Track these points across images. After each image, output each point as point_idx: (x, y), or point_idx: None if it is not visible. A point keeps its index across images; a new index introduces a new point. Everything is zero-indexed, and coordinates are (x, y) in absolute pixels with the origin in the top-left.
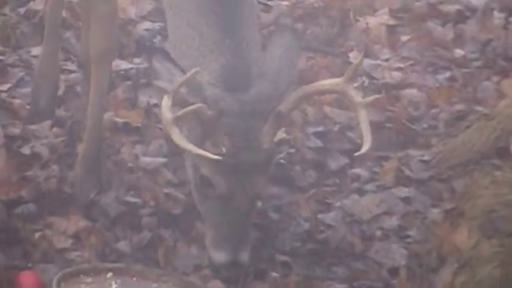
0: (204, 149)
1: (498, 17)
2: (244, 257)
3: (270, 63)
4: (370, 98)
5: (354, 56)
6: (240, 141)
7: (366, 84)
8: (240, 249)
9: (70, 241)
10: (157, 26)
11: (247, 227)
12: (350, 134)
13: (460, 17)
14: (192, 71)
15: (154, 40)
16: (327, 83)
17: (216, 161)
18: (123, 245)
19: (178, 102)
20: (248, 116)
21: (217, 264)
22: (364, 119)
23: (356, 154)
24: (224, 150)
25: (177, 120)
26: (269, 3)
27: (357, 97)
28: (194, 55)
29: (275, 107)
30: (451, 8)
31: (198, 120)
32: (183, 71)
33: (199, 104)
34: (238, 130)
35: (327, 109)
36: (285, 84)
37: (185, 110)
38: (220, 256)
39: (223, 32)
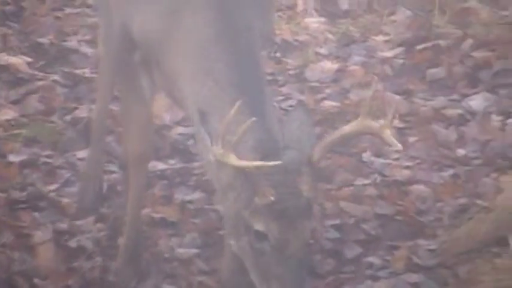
0: (254, 206)
1: (496, 119)
2: None
3: (289, 135)
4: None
5: (367, 156)
6: (284, 190)
7: (377, 181)
8: None
9: None
10: (190, 130)
11: (304, 276)
12: (364, 226)
13: (462, 120)
14: (245, 125)
15: (188, 143)
16: (346, 127)
17: (267, 210)
18: None
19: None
20: (287, 172)
21: None
22: (388, 136)
23: (395, 149)
24: (272, 198)
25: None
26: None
27: (376, 124)
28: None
29: (306, 162)
30: (453, 112)
31: (246, 180)
32: None
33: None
34: (281, 182)
35: (343, 203)
36: (308, 149)
37: (238, 135)
38: None
39: (254, 107)
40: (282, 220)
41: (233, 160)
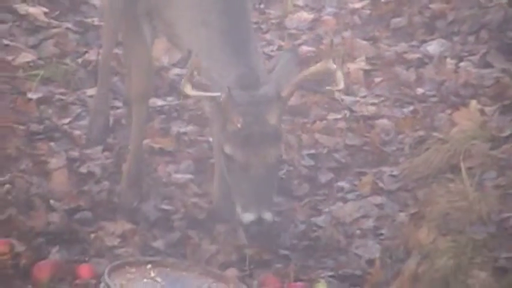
0: (226, 132)
1: (450, 62)
2: (268, 215)
3: (276, 74)
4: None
5: (338, 94)
6: (251, 119)
7: (347, 116)
8: (263, 209)
9: (118, 240)
10: (185, 71)
11: (268, 192)
12: (335, 155)
13: (420, 63)
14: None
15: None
16: (310, 68)
17: (234, 136)
18: (159, 243)
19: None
20: (256, 103)
21: (246, 224)
22: (338, 76)
23: (335, 89)
24: (239, 125)
25: (189, 80)
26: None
27: (333, 66)
28: (220, 64)
29: (277, 95)
30: (413, 56)
31: (218, 109)
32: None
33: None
34: (249, 112)
35: (317, 135)
36: (286, 81)
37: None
38: (247, 216)
39: (240, 49)
40: (246, 145)
41: (187, 90)
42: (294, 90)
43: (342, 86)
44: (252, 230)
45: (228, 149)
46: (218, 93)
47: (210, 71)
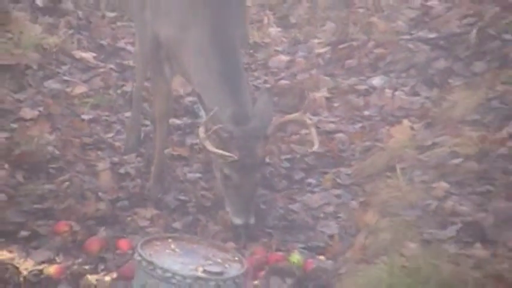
0: (225, 158)
1: (388, 92)
2: (252, 220)
3: (258, 109)
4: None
5: (307, 115)
6: (245, 152)
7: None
8: (249, 216)
9: (147, 222)
10: (195, 99)
11: (253, 202)
12: (306, 159)
13: (367, 93)
14: (212, 112)
15: (194, 106)
16: (289, 116)
17: (232, 163)
18: (177, 224)
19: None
20: (248, 138)
21: (236, 225)
22: (313, 132)
23: (310, 150)
24: (236, 157)
25: (208, 137)
26: (256, 83)
27: (309, 121)
28: (218, 101)
29: (263, 133)
30: (361, 87)
31: (221, 141)
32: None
33: (219, 126)
34: (244, 146)
35: (292, 145)
36: (267, 121)
37: (211, 131)
38: (238, 220)
39: (232, 87)
40: (240, 171)
41: (208, 146)
42: (275, 131)
43: (317, 145)
44: (240, 230)
45: (226, 171)
46: (230, 154)
47: (210, 106)
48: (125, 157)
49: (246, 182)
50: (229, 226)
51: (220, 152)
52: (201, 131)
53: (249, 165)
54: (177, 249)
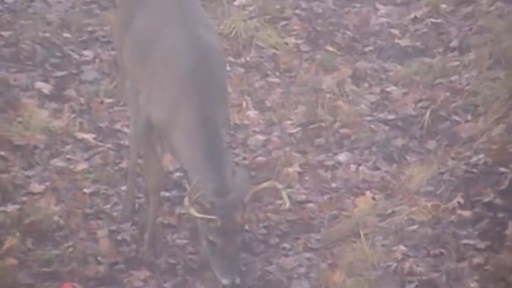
0: (209, 226)
1: (353, 167)
2: (237, 279)
3: (236, 183)
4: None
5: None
6: (227, 220)
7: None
8: (234, 276)
9: (141, 283)
10: (183, 174)
11: (237, 264)
12: (280, 226)
13: (334, 167)
14: (193, 184)
15: (182, 181)
16: (263, 184)
17: (215, 229)
18: (168, 285)
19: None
20: (229, 208)
21: (224, 286)
22: (284, 194)
23: (283, 208)
24: (219, 224)
25: (192, 205)
26: (236, 160)
27: (279, 186)
28: (202, 177)
29: (241, 202)
30: (329, 162)
31: (203, 211)
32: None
33: (201, 193)
34: (225, 214)
35: (268, 214)
36: (245, 193)
37: (194, 199)
38: (225, 281)
39: (215, 163)
40: (223, 236)
41: (192, 211)
42: (252, 199)
43: (288, 204)
44: None
45: (211, 237)
46: (212, 217)
47: (194, 177)
48: (122, 225)
49: (229, 246)
50: (214, 286)
51: (203, 216)
52: (186, 200)
53: (231, 231)
54: None
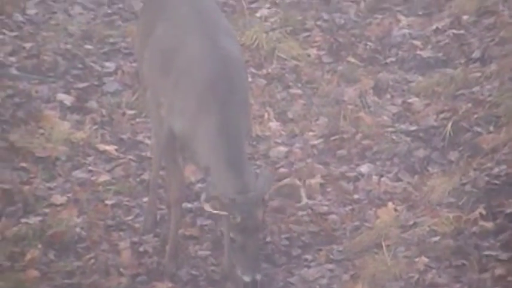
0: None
1: (375, 178)
2: (258, 276)
3: (260, 182)
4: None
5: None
6: (247, 215)
7: (309, 212)
8: (255, 273)
9: None
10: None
11: (258, 261)
12: (302, 237)
13: (356, 179)
14: (210, 180)
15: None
16: (281, 182)
17: (236, 226)
18: None
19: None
20: (249, 204)
21: (246, 282)
22: (302, 191)
23: (298, 205)
24: (239, 220)
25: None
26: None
27: (298, 182)
28: (223, 179)
29: (262, 198)
30: (351, 174)
31: (222, 207)
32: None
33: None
34: (245, 210)
35: (291, 225)
36: (266, 191)
37: (212, 195)
38: (246, 278)
39: (237, 167)
40: (243, 233)
41: (206, 207)
42: (274, 195)
43: (304, 200)
44: (249, 286)
45: (232, 235)
46: (225, 213)
47: (216, 181)
48: (144, 237)
49: (249, 242)
50: None
51: (217, 212)
52: (203, 196)
53: (251, 228)
54: None
